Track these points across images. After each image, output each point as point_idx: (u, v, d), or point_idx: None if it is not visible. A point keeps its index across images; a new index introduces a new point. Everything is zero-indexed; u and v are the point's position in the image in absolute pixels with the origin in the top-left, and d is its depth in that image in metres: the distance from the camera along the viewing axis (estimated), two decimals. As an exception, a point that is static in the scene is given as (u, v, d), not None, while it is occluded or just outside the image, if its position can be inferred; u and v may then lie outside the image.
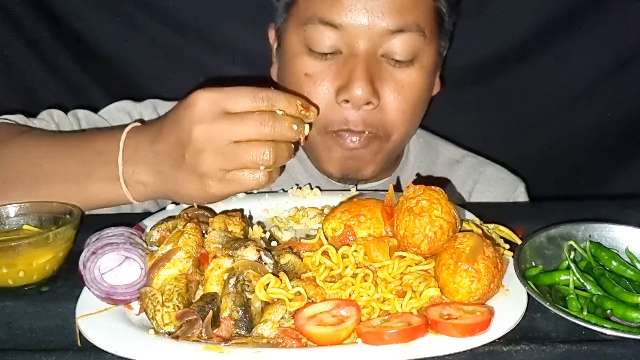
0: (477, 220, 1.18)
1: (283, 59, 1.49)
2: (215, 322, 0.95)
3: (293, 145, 1.17)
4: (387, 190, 1.15)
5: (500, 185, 1.74)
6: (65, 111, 1.58)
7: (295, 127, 1.13)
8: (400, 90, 1.41)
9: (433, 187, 1.08)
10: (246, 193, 1.31)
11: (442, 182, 1.66)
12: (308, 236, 1.22)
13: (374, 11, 1.35)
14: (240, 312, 0.96)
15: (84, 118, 1.58)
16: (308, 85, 1.41)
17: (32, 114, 1.53)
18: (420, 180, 1.62)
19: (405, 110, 1.43)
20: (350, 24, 1.35)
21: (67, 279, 1.13)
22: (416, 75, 1.42)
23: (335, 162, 1.48)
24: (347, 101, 1.38)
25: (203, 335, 0.94)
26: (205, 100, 1.12)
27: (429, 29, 1.42)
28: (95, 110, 1.62)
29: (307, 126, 1.17)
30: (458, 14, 1.56)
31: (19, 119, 1.47)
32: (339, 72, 1.39)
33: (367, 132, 1.41)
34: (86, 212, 1.31)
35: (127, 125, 1.25)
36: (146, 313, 0.98)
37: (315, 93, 1.40)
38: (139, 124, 1.26)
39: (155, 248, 1.09)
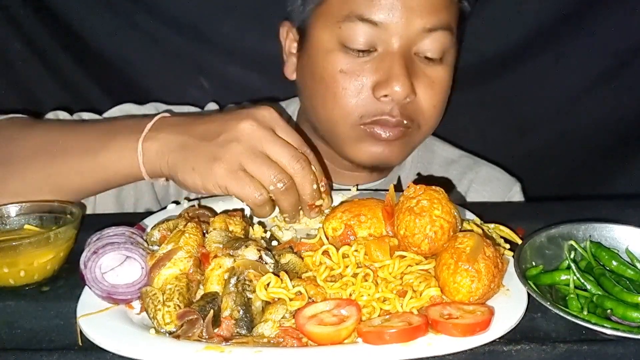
0: (478, 220, 1.19)
1: (312, 57, 1.50)
2: (216, 321, 0.95)
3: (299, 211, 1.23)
4: (387, 190, 1.15)
5: (495, 184, 1.76)
6: (69, 113, 1.58)
7: (315, 186, 1.19)
8: (432, 86, 1.46)
9: (433, 187, 1.08)
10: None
11: (443, 182, 1.66)
12: (308, 236, 1.22)
13: (412, 10, 1.38)
14: (241, 312, 0.96)
15: (88, 120, 1.58)
16: (344, 81, 1.43)
17: (33, 114, 1.53)
18: (420, 180, 1.63)
19: (436, 104, 1.48)
20: (389, 22, 1.39)
21: (68, 279, 1.13)
22: (444, 72, 1.48)
23: (367, 154, 1.50)
24: (386, 96, 1.41)
25: (204, 334, 0.94)
26: (269, 113, 1.20)
27: (454, 28, 1.47)
28: (99, 112, 1.62)
29: (324, 202, 1.22)
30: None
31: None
32: (376, 68, 1.42)
33: (404, 122, 1.45)
34: (99, 193, 1.36)
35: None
36: (147, 312, 0.98)
37: (352, 88, 1.43)
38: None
39: (156, 247, 1.09)
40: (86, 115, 1.59)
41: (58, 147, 1.29)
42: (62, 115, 1.56)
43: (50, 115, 1.55)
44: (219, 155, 1.15)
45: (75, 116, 1.58)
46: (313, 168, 1.20)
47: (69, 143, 1.30)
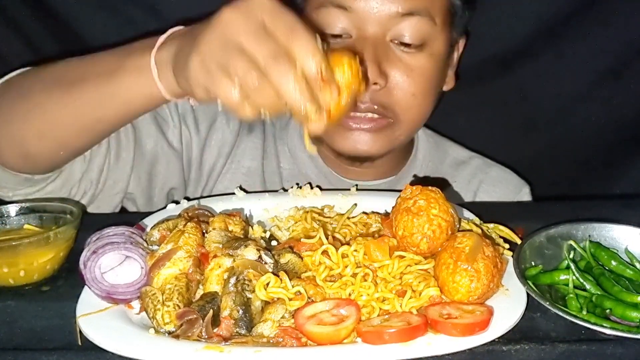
0: (477, 220, 1.19)
1: None
2: (216, 321, 0.96)
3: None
4: (389, 190, 1.15)
5: (505, 185, 1.76)
6: None
7: (298, 88, 0.94)
8: (409, 74, 1.45)
9: (430, 187, 1.09)
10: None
11: (440, 183, 1.67)
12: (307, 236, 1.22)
13: None
14: (241, 312, 0.96)
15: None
16: None
17: None
18: (417, 181, 1.63)
19: (415, 93, 1.46)
20: (360, 7, 1.40)
21: (67, 278, 1.13)
22: (425, 60, 1.46)
23: (345, 143, 1.51)
24: None
25: (203, 334, 0.94)
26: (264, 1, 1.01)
27: (440, 18, 1.45)
28: None
29: (314, 112, 0.95)
30: (473, 8, 1.58)
31: None
32: None
33: (375, 108, 1.45)
34: (121, 125, 1.32)
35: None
36: (146, 312, 0.98)
37: None
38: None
39: (155, 247, 1.09)
40: None
41: (75, 75, 1.24)
42: None
43: None
44: (195, 47, 1.01)
45: None
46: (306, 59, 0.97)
47: (85, 69, 1.24)
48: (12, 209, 1.21)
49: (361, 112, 1.45)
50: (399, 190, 1.13)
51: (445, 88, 1.63)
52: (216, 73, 0.99)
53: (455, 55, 1.63)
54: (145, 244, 1.10)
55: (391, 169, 1.68)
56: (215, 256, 1.03)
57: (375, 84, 1.41)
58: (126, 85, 1.18)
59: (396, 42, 1.43)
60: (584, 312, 1.00)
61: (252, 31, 0.98)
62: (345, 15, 1.41)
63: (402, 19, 1.40)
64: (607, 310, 1.01)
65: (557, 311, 0.96)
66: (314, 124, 0.98)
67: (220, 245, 1.05)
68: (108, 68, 1.20)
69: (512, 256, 1.08)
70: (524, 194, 1.77)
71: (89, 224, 1.18)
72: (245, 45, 0.97)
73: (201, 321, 0.94)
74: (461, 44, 1.63)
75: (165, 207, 1.31)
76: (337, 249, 1.06)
